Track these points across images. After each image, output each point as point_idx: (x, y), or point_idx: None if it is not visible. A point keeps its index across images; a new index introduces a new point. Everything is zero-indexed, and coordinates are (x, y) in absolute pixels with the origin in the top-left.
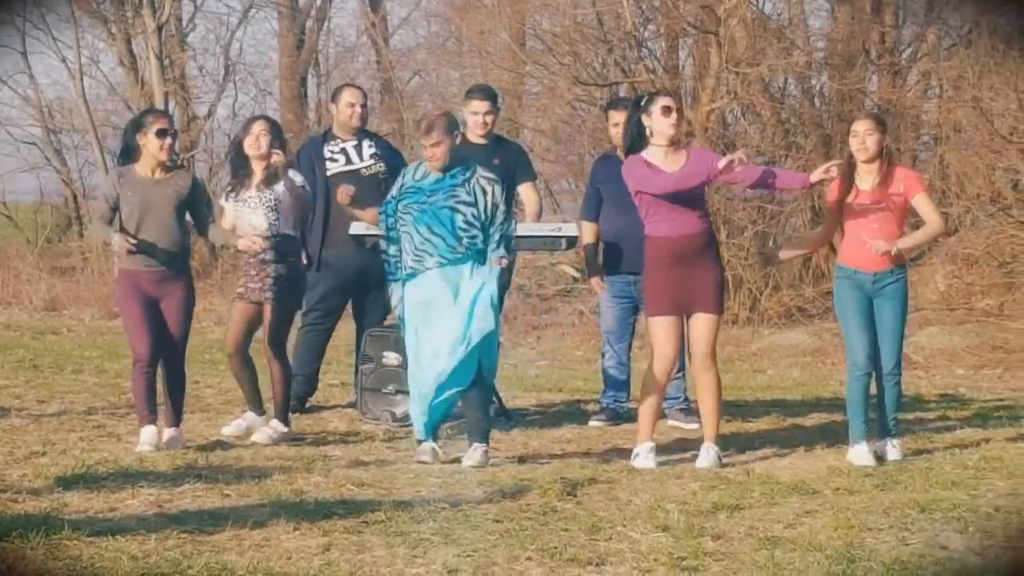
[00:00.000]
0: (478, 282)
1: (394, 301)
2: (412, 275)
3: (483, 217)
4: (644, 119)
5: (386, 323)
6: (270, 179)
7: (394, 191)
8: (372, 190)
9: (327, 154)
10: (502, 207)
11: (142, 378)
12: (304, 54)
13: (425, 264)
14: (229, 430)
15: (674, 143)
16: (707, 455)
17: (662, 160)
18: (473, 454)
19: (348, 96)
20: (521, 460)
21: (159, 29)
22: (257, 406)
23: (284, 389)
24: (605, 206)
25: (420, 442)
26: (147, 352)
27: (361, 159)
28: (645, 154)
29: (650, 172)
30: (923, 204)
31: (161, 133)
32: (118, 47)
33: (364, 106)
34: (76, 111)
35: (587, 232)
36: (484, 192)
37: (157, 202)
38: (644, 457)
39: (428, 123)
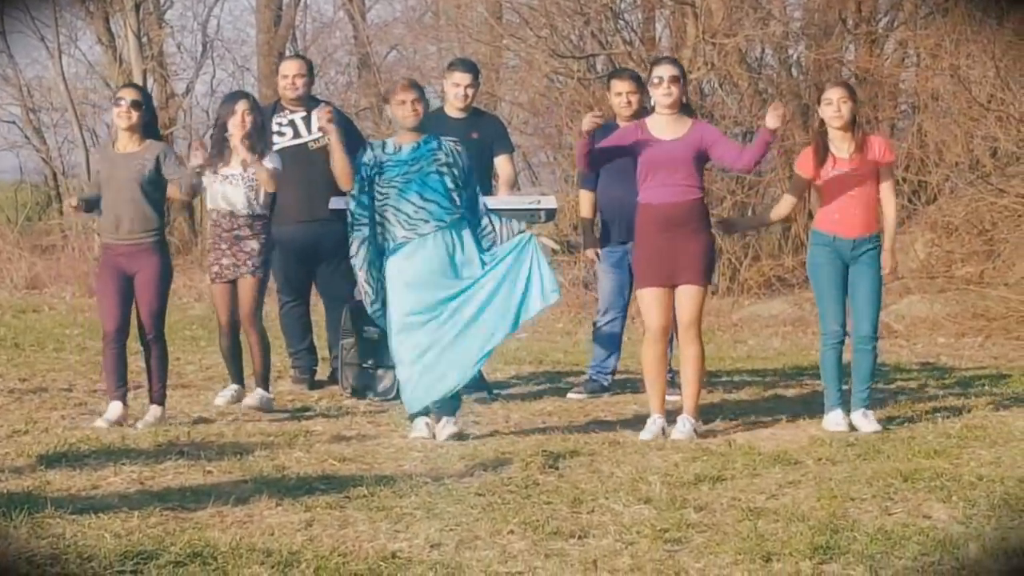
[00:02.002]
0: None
1: (362, 275)
2: (402, 244)
3: (463, 179)
4: (648, 88)
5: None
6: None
7: (365, 164)
8: (319, 162)
9: (275, 127)
10: (470, 172)
11: (110, 353)
12: (281, 30)
13: (420, 231)
14: (221, 401)
15: (673, 111)
16: (683, 427)
17: (662, 128)
18: (447, 428)
19: (283, 68)
20: (502, 433)
21: (137, 7)
22: (240, 380)
23: (264, 359)
24: (603, 175)
25: (412, 417)
26: (114, 327)
27: (309, 131)
28: (648, 119)
29: (612, 138)
30: (885, 183)
31: (117, 101)
32: (96, 25)
33: (302, 76)
34: (55, 89)
35: (584, 203)
36: (457, 154)
37: (122, 176)
38: (645, 429)
39: (406, 81)
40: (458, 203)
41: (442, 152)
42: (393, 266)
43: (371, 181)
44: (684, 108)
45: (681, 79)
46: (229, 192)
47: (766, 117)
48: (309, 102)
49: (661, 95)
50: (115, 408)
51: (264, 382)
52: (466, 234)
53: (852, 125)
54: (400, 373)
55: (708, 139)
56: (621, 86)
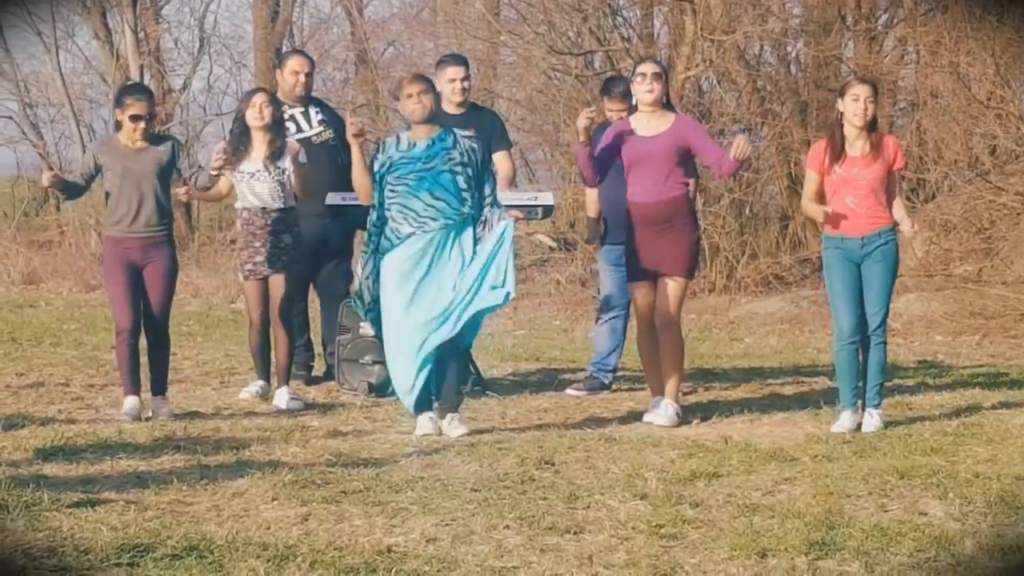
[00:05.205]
0: (493, 240)
1: (362, 273)
2: (407, 237)
3: (476, 179)
4: (631, 87)
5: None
6: (275, 154)
7: (377, 166)
8: (323, 157)
9: None
10: (489, 167)
11: (125, 348)
12: (278, 26)
13: (427, 228)
14: (247, 395)
15: (654, 107)
16: (665, 411)
17: (644, 125)
18: (455, 426)
19: (293, 64)
20: (499, 429)
21: (134, 2)
22: (267, 377)
23: (288, 357)
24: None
25: (416, 412)
26: (129, 323)
27: (311, 126)
28: (632, 118)
29: (606, 141)
30: (893, 181)
31: (134, 119)
32: (93, 20)
33: (309, 75)
34: (52, 85)
35: (590, 202)
36: (473, 152)
37: (137, 171)
38: (660, 415)
39: (412, 75)
40: (469, 203)
41: (457, 151)
42: (392, 260)
43: (383, 181)
44: (666, 106)
45: (663, 77)
46: (257, 188)
47: (732, 148)
48: (305, 98)
49: (643, 91)
50: (133, 402)
51: (287, 379)
52: (467, 233)
53: (870, 125)
54: (394, 370)
55: (690, 136)
56: (613, 105)
